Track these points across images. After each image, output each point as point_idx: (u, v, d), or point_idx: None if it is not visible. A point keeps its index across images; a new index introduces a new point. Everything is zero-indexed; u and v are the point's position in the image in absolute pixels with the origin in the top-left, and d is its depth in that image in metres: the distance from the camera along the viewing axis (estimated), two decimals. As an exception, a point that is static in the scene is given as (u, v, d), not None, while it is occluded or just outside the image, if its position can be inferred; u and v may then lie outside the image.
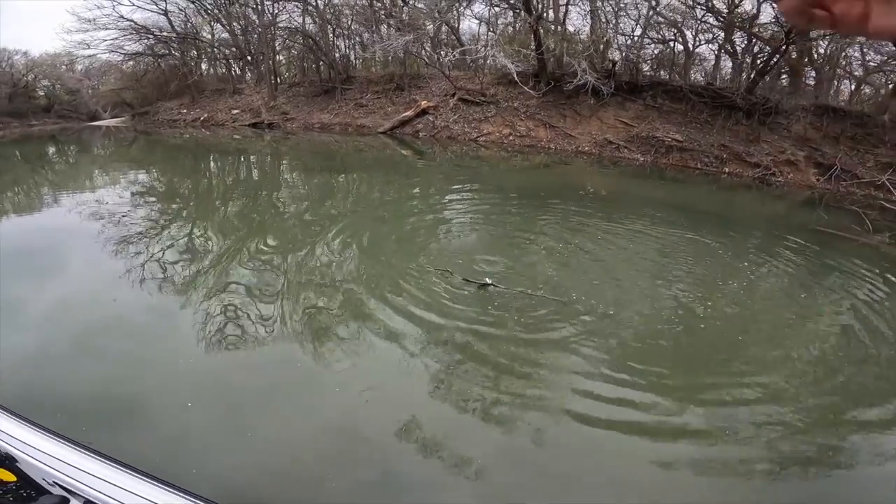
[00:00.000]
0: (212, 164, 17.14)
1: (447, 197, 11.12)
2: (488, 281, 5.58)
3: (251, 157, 18.68)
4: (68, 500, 1.51)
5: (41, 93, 33.90)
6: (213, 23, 29.19)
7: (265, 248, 7.16)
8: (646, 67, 17.99)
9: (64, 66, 34.43)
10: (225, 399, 3.86)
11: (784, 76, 17.33)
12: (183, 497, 1.51)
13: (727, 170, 13.89)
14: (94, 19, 26.57)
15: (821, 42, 15.60)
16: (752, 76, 15.40)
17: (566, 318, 5.01)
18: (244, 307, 5.20)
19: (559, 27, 19.74)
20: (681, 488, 3.29)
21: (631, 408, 3.80)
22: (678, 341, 4.84)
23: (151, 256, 6.68)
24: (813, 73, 17.01)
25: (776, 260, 7.45)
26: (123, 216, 8.80)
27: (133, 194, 11.08)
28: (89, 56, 29.88)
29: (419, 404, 3.83)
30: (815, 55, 16.58)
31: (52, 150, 21.25)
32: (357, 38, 26.52)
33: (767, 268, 7.18)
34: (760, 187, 13.18)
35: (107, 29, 27.23)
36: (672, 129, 14.96)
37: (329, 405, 3.88)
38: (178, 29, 28.71)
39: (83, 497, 1.52)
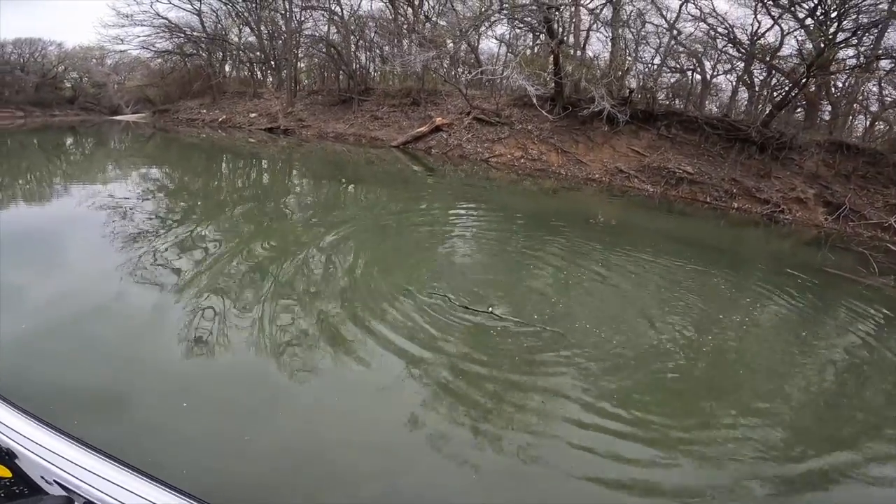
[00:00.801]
0: (224, 165, 17.05)
1: (453, 215, 10.80)
2: (490, 310, 5.32)
3: (263, 161, 18.58)
4: (72, 501, 1.47)
5: (68, 84, 34.44)
6: (242, 26, 29.66)
7: (263, 253, 6.93)
8: (661, 96, 17.69)
9: (94, 60, 34.95)
10: (211, 401, 3.77)
11: (799, 109, 16.94)
12: (184, 499, 1.47)
13: (736, 205, 13.47)
14: (132, 15, 27.15)
15: (840, 76, 15.27)
16: (770, 109, 14.99)
17: (561, 350, 4.74)
18: (235, 310, 5.07)
19: (579, 52, 19.57)
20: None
21: (622, 452, 3.56)
22: (677, 376, 4.61)
23: (153, 252, 6.57)
24: (829, 108, 16.57)
25: (779, 297, 7.15)
26: (130, 210, 8.72)
27: (143, 190, 11.00)
28: (121, 51, 30.31)
29: (398, 432, 3.61)
30: (833, 89, 16.17)
31: (69, 140, 21.38)
32: (378, 51, 26.59)
33: (770, 304, 6.92)
34: (768, 224, 12.78)
35: (142, 25, 27.93)
36: (684, 160, 14.57)
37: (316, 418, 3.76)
38: (209, 30, 29.17)
39: (84, 497, 1.49)
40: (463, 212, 11.25)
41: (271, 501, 2.98)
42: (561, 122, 17.40)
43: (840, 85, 16.23)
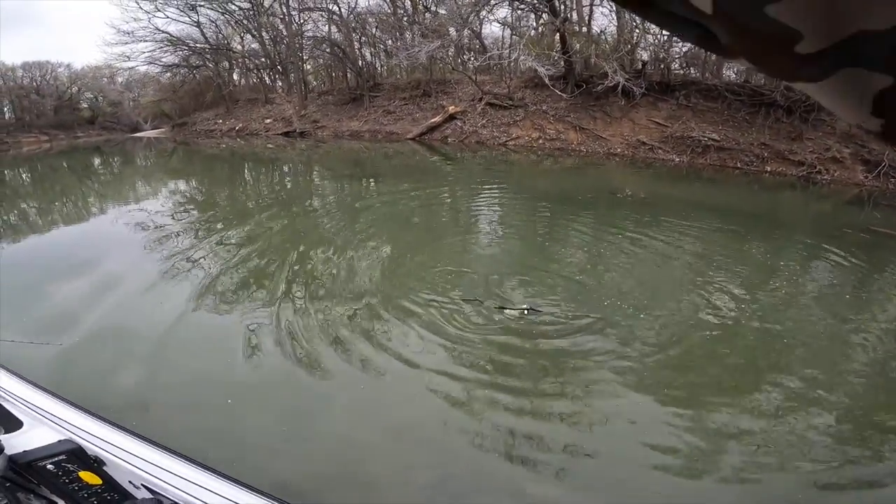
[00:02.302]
0: (247, 173, 16.91)
1: (477, 201, 10.59)
2: (526, 309, 4.83)
3: (284, 165, 18.45)
4: (160, 503, 1.54)
5: (85, 105, 34.36)
6: (243, 34, 29.22)
7: (296, 255, 6.86)
8: (675, 66, 17.05)
9: (105, 79, 34.82)
10: (260, 402, 3.77)
11: None
12: (261, 497, 1.52)
13: (769, 168, 12.92)
14: (133, 31, 26.90)
15: None
16: None
17: (603, 332, 4.51)
18: (279, 314, 4.98)
19: (584, 28, 18.98)
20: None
21: (669, 426, 3.37)
22: (727, 352, 4.30)
23: (187, 260, 6.66)
24: None
25: (826, 260, 6.77)
26: (165, 224, 8.73)
27: (175, 203, 10.99)
28: (129, 68, 30.18)
29: (442, 426, 3.47)
30: None
31: (97, 160, 21.35)
32: (382, 46, 26.11)
33: (817, 269, 6.58)
34: (805, 186, 12.23)
35: (144, 41, 27.64)
36: (708, 128, 14.02)
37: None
38: (211, 40, 28.79)
39: (171, 499, 1.54)
40: (486, 197, 11.07)
41: (335, 493, 2.98)
42: (575, 99, 16.96)
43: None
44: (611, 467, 3.12)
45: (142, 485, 1.64)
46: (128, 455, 1.68)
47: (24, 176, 18.75)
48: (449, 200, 11.25)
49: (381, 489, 3.02)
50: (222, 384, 3.94)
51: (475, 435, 3.32)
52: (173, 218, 9.36)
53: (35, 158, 22.99)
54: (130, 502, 1.62)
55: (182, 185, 13.79)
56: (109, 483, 1.74)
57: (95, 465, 1.72)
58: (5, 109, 31.72)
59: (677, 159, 14.08)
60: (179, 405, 3.75)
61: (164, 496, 1.60)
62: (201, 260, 6.72)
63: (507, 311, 4.81)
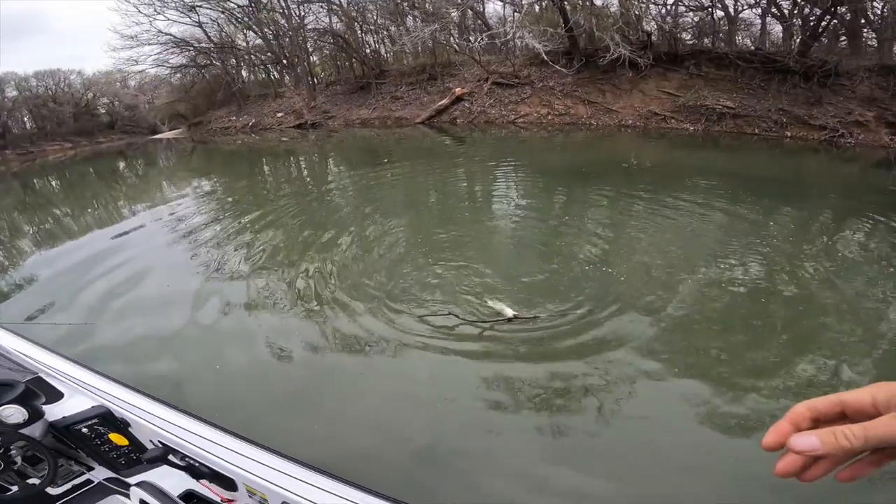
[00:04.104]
0: (265, 167, 16.55)
1: (490, 182, 10.26)
2: (534, 316, 4.12)
3: (300, 157, 18.03)
4: (168, 453, 1.66)
5: (102, 110, 33.87)
6: (245, 31, 28.31)
7: (318, 243, 6.60)
8: (687, 36, 16.20)
9: (118, 84, 34.21)
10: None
11: (843, 38, 15.27)
12: (263, 451, 1.63)
13: (789, 134, 12.24)
14: (136, 36, 26.22)
15: (875, 3, 13.56)
16: (801, 39, 13.44)
17: (625, 313, 4.14)
18: (309, 300, 4.90)
19: (586, 2, 18.16)
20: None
21: (697, 399, 3.14)
22: (759, 324, 3.91)
23: (222, 255, 6.51)
24: (873, 35, 14.80)
25: (859, 223, 6.33)
26: (190, 218, 8.77)
27: (200, 200, 10.81)
28: (139, 72, 29.48)
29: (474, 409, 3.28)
30: (872, 15, 14.36)
31: (122, 164, 21.07)
32: (385, 32, 25.27)
33: (850, 234, 6.10)
34: (829, 150, 11.58)
35: (150, 44, 26.93)
36: (722, 96, 13.35)
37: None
38: (215, 39, 28.02)
39: (181, 452, 1.65)
40: (501, 175, 10.75)
41: (372, 462, 2.90)
42: (582, 74, 16.36)
43: (879, 11, 14.24)
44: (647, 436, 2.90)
45: (159, 441, 1.76)
46: (147, 415, 1.80)
47: (53, 184, 18.58)
48: (464, 180, 10.99)
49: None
50: (234, 357, 4.06)
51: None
52: (198, 213, 9.33)
53: (62, 166, 22.74)
54: (146, 454, 1.71)
55: (205, 183, 13.50)
56: (134, 443, 1.89)
57: (122, 426, 1.86)
58: (25, 119, 31.34)
59: (692, 128, 13.48)
60: (192, 374, 3.91)
61: (174, 449, 1.72)
62: (228, 249, 6.75)
63: (526, 318, 4.10)
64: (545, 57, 17.12)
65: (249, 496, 1.66)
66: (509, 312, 4.03)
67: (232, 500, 1.79)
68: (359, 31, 24.37)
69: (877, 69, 12.20)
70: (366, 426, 3.16)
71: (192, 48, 28.10)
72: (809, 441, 0.44)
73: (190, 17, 26.60)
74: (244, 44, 28.99)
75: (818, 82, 12.32)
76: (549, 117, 16.32)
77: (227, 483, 1.68)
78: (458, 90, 19.32)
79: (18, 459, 1.72)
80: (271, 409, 3.39)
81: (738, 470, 2.58)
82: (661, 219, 6.61)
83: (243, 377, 3.82)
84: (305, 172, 14.86)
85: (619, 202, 7.73)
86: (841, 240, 5.93)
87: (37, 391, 1.82)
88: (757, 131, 12.54)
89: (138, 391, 1.97)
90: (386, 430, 3.12)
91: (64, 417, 1.83)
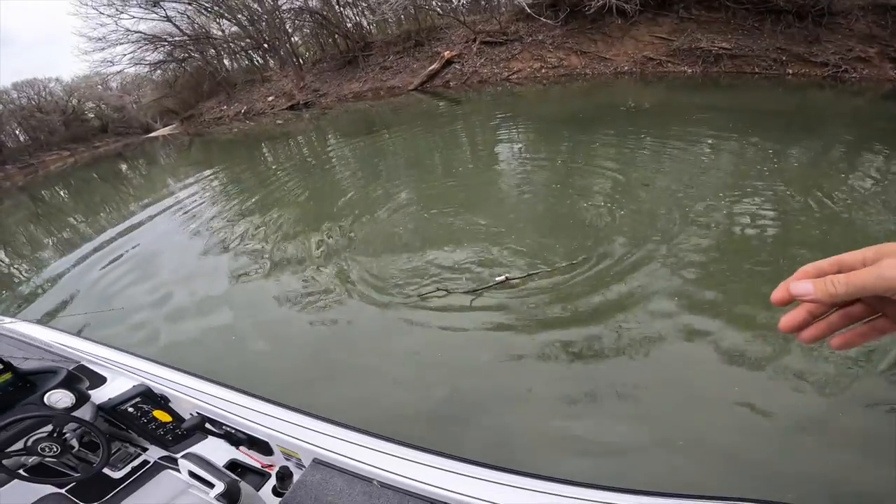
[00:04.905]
0: (265, 150, 16.16)
1: (492, 139, 10.02)
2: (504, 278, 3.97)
3: (298, 136, 17.54)
4: (205, 421, 1.76)
5: (91, 115, 32.86)
6: (217, 19, 27.03)
7: (331, 217, 6.49)
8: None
9: (99, 87, 33.08)
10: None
11: None
12: (292, 412, 1.69)
13: (790, 71, 11.81)
14: (104, 37, 25.03)
15: None
16: None
17: (641, 266, 3.96)
18: (335, 273, 4.80)
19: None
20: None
21: (713, 335, 3.05)
22: (769, 261, 3.73)
23: (239, 239, 6.45)
24: None
25: (871, 153, 6.06)
26: (200, 208, 8.76)
27: (207, 190, 10.62)
28: (118, 72, 28.38)
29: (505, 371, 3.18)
30: None
31: (123, 166, 20.60)
32: (363, 4, 24.21)
33: (863, 163, 5.83)
34: (834, 85, 11.15)
35: (120, 44, 25.79)
36: (716, 38, 12.87)
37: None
38: (188, 31, 26.77)
39: (217, 420, 1.74)
40: (501, 130, 10.50)
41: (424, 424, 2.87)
42: (570, 25, 15.80)
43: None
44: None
45: (196, 412, 1.83)
46: (184, 388, 1.88)
47: (61, 193, 18.18)
48: (464, 137, 10.81)
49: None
50: (257, 328, 4.10)
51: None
52: (206, 200, 9.35)
53: (65, 174, 22.23)
54: (185, 424, 1.77)
55: (208, 172, 13.14)
56: (177, 418, 1.94)
57: (162, 401, 1.91)
58: (17, 132, 30.44)
59: (689, 70, 13.06)
60: (212, 347, 3.97)
61: (211, 418, 1.78)
62: (240, 227, 6.78)
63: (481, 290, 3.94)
64: (529, 10, 16.53)
65: (286, 459, 1.70)
66: (499, 278, 3.92)
67: (270, 465, 1.86)
68: (336, 6, 23.34)
69: (871, 7, 11.64)
70: (387, 385, 3.12)
71: (166, 43, 26.90)
72: (805, 286, 0.48)
73: (156, 13, 25.44)
74: (220, 32, 27.78)
75: (813, 21, 11.85)
76: (543, 71, 15.86)
77: (263, 447, 1.72)
78: (446, 53, 18.71)
79: (75, 443, 1.73)
80: (293, 377, 3.39)
81: (764, 405, 2.52)
82: (669, 156, 6.52)
83: (264, 345, 3.85)
84: (305, 150, 14.54)
85: (625, 143, 7.63)
86: (857, 169, 5.71)
87: (80, 376, 1.88)
88: (757, 70, 12.12)
89: (173, 367, 2.04)
90: (409, 387, 3.07)
91: (110, 399, 1.87)
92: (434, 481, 1.34)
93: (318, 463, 1.48)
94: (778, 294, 0.50)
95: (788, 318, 0.51)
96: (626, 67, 14.08)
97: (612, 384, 2.82)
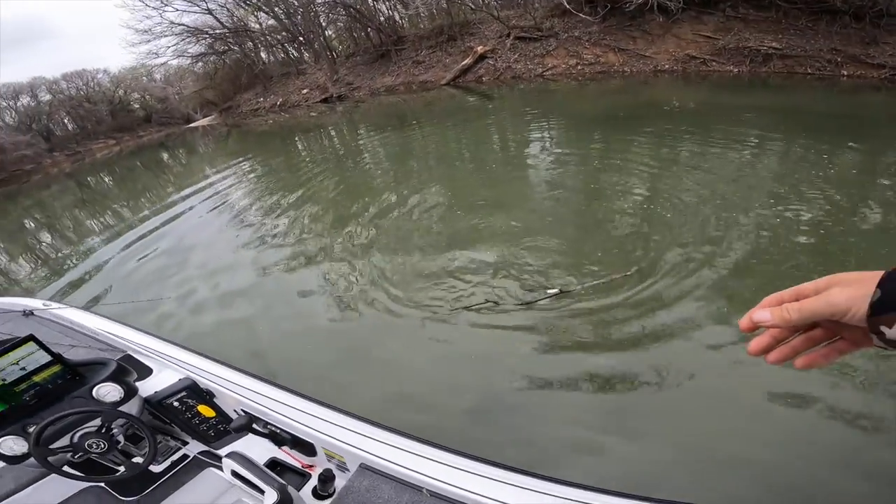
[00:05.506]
0: (298, 142, 16.10)
1: (524, 136, 9.62)
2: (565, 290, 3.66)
3: (330, 129, 17.44)
4: (252, 421, 1.69)
5: (136, 105, 33.58)
6: (255, 12, 27.20)
7: (362, 210, 6.41)
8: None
9: (144, 78, 33.75)
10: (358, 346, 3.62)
11: None
12: (339, 413, 1.63)
13: (845, 73, 10.91)
14: (150, 29, 25.54)
15: None
16: None
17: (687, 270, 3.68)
18: (364, 268, 4.70)
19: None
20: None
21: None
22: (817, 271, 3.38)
23: (273, 230, 6.47)
24: None
25: None
26: (237, 197, 8.85)
27: (243, 180, 10.74)
28: (162, 64, 29.03)
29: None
30: None
31: (165, 155, 20.93)
32: (396, -2, 23.82)
33: None
34: (891, 87, 10.23)
35: (165, 36, 26.34)
36: (766, 37, 11.92)
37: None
38: (227, 24, 27.02)
39: (263, 420, 1.69)
40: (533, 127, 10.09)
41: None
42: (607, 22, 15.05)
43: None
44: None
45: (242, 410, 1.75)
46: (229, 384, 1.79)
47: (106, 180, 18.59)
48: (495, 134, 10.49)
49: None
50: (292, 323, 4.00)
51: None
52: (242, 190, 9.49)
53: (110, 162, 22.77)
54: (232, 424, 1.67)
55: (244, 163, 13.16)
56: (220, 413, 1.88)
57: (207, 397, 1.85)
58: (66, 121, 31.37)
59: (736, 70, 12.15)
60: (238, 338, 3.89)
61: (257, 417, 1.69)
62: (275, 220, 6.74)
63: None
64: (567, 5, 15.86)
65: (328, 460, 1.63)
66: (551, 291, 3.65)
67: (311, 466, 1.78)
68: (369, 0, 23.05)
69: (935, 8, 10.55)
70: (418, 387, 3.03)
71: (207, 35, 27.22)
72: (763, 314, 0.53)
73: (198, 6, 25.77)
74: (257, 25, 27.97)
75: (871, 22, 10.86)
76: (579, 67, 15.22)
77: (307, 448, 1.66)
78: (479, 48, 18.21)
79: (121, 438, 1.67)
80: (324, 373, 3.30)
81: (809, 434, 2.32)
82: (713, 158, 6.07)
83: (298, 341, 3.77)
84: (337, 142, 14.42)
85: (664, 144, 7.21)
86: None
87: (129, 368, 1.80)
88: (810, 71, 11.18)
89: (219, 361, 1.97)
90: (440, 391, 2.97)
91: (156, 392, 1.82)
92: (489, 493, 1.24)
93: (365, 468, 1.42)
94: (743, 323, 0.54)
95: (755, 343, 0.56)
96: (666, 66, 13.33)
97: (654, 411, 2.60)
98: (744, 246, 3.87)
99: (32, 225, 13.17)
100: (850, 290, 0.46)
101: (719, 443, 2.30)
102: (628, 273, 3.71)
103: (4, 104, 28.23)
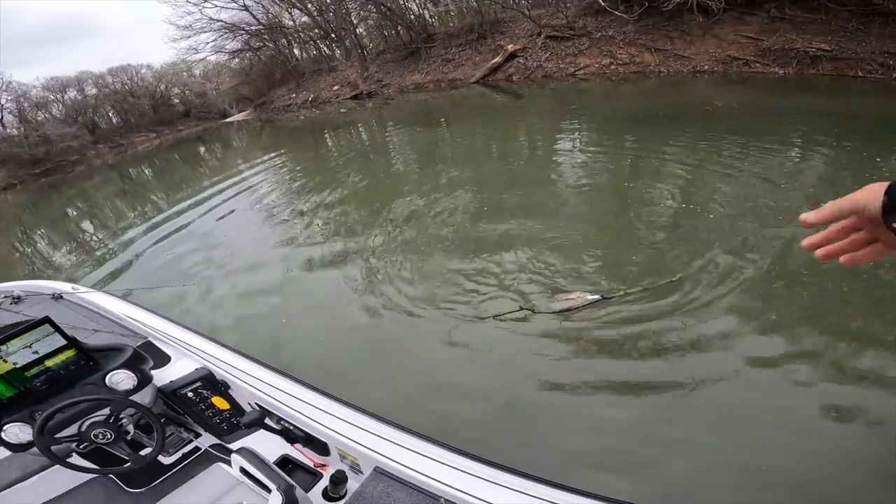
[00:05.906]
0: (328, 138, 16.16)
1: (553, 137, 9.27)
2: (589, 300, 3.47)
3: (359, 125, 17.44)
4: (265, 416, 1.62)
5: (176, 100, 34.38)
6: (289, 9, 27.53)
7: (388, 208, 6.30)
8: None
9: (185, 73, 34.49)
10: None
11: None
12: (355, 412, 1.53)
13: None
14: (190, 25, 26.19)
15: None
16: None
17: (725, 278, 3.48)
18: (387, 267, 4.65)
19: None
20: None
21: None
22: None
23: (297, 222, 6.63)
24: None
25: None
26: (266, 191, 9.03)
27: (275, 173, 10.83)
28: (201, 59, 29.72)
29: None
30: None
31: (202, 149, 21.37)
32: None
33: None
34: None
35: (204, 32, 26.83)
36: (814, 39, 11.18)
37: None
38: (263, 21, 27.43)
39: (276, 415, 1.62)
40: (564, 127, 9.77)
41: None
42: (643, 21, 14.45)
43: None
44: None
45: (256, 404, 1.69)
46: (245, 376, 1.72)
47: (146, 172, 19.11)
48: (524, 133, 10.24)
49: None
50: (315, 321, 3.96)
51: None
52: (273, 184, 9.64)
53: (150, 155, 23.39)
54: (244, 418, 1.61)
55: (276, 158, 13.25)
56: (234, 406, 1.82)
57: (223, 388, 1.79)
58: (110, 114, 32.36)
59: (781, 71, 11.42)
60: (261, 330, 3.89)
61: (271, 412, 1.63)
62: (303, 217, 6.77)
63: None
64: (602, 3, 15.34)
65: (341, 460, 1.56)
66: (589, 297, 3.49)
67: (324, 465, 1.71)
68: (400, -2, 22.92)
69: None
70: (441, 389, 2.98)
71: (243, 32, 27.70)
72: (807, 214, 0.58)
73: (235, 2, 26.30)
74: (291, 22, 28.27)
75: None
76: (612, 67, 14.71)
77: (320, 447, 1.59)
78: (510, 47, 17.85)
79: (130, 428, 1.59)
80: (345, 372, 3.24)
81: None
82: (759, 161, 5.73)
83: (319, 339, 3.73)
84: (366, 139, 14.42)
85: (705, 145, 6.87)
86: None
87: (145, 355, 1.73)
88: (861, 73, 10.39)
89: (237, 352, 1.90)
90: (463, 393, 2.90)
91: (171, 382, 1.77)
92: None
93: (379, 472, 1.34)
94: (807, 219, 0.59)
95: (809, 239, 0.61)
96: (706, 67, 12.69)
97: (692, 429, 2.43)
98: (792, 255, 3.63)
99: (74, 213, 13.63)
100: (868, 192, 0.54)
101: (758, 455, 2.18)
102: (673, 279, 3.52)
103: (52, 97, 29.24)
